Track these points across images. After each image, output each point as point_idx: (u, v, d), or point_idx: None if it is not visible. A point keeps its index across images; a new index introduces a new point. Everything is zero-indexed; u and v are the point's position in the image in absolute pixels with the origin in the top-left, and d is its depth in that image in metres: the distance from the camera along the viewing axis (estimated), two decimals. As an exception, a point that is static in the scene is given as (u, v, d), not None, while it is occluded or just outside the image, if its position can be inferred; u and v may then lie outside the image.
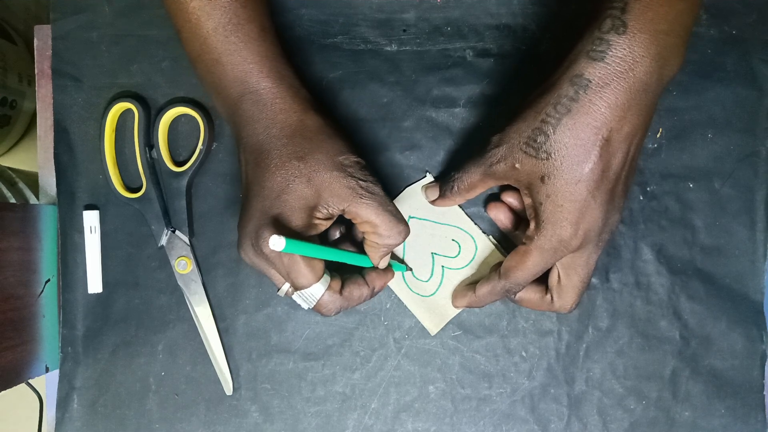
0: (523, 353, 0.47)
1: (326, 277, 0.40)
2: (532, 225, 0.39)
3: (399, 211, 0.41)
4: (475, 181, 0.41)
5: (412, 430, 0.47)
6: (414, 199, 0.47)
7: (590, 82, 0.35)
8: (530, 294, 0.43)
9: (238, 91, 0.39)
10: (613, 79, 0.35)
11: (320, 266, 0.40)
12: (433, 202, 0.45)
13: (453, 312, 0.47)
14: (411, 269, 0.47)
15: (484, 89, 0.47)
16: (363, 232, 0.42)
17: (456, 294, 0.46)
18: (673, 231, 0.47)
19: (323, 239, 0.45)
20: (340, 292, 0.41)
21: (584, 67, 0.35)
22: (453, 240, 0.47)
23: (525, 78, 0.47)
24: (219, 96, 0.41)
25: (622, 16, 0.34)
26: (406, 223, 0.41)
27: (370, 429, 0.47)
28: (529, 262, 0.39)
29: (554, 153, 0.36)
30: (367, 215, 0.39)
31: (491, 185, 0.41)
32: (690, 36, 0.36)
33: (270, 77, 0.39)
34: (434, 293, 0.47)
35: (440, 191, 0.44)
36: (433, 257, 0.47)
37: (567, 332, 0.47)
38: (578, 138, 0.35)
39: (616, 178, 0.37)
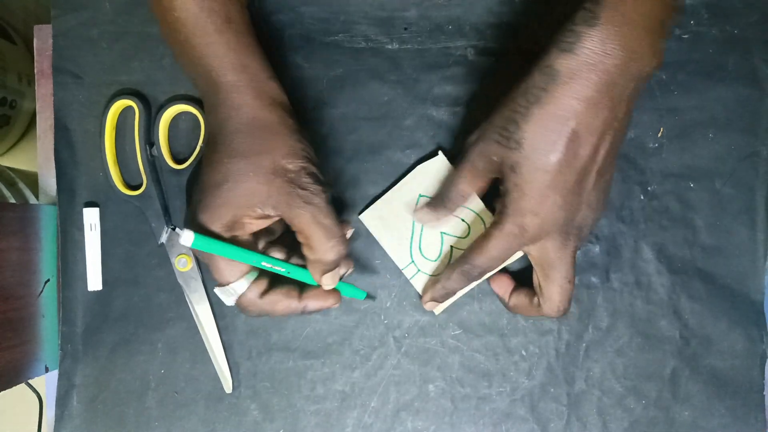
0: (523, 352, 0.47)
1: (249, 277, 0.39)
2: (498, 211, 0.40)
3: (337, 226, 0.39)
4: (465, 190, 0.41)
5: (412, 429, 0.47)
6: (425, 178, 0.46)
7: (559, 72, 0.35)
8: (520, 298, 0.43)
9: (204, 82, 0.40)
10: (582, 71, 0.35)
11: (243, 264, 0.39)
12: (433, 226, 0.45)
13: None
14: (374, 298, 0.46)
15: (485, 88, 0.47)
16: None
17: (424, 289, 0.46)
18: (673, 231, 0.47)
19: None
20: (261, 296, 0.40)
21: (554, 58, 0.35)
22: (462, 220, 0.46)
23: (526, 77, 0.47)
24: (195, 87, 0.42)
25: (595, 8, 0.34)
26: (343, 241, 0.39)
27: (369, 428, 0.47)
28: (488, 245, 0.39)
29: (523, 142, 0.36)
30: (300, 225, 0.38)
31: (480, 185, 0.41)
32: (668, 34, 0.36)
33: (232, 70, 0.38)
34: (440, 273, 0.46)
35: (434, 213, 0.43)
36: (442, 237, 0.46)
37: (567, 331, 0.47)
38: (546, 128, 0.36)
39: (584, 171, 0.37)
